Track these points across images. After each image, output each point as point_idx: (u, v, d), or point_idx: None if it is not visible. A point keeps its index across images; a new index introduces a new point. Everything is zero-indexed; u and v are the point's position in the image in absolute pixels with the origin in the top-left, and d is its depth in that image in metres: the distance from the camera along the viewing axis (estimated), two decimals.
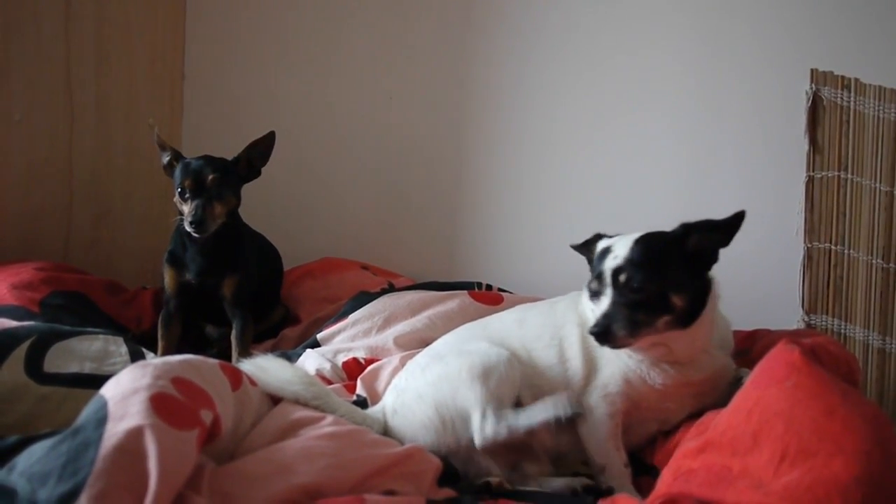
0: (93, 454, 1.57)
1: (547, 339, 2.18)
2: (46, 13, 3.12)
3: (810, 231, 2.75)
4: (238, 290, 2.76)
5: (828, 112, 2.72)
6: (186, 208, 2.64)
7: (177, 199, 2.68)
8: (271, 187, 3.28)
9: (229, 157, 2.77)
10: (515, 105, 3.21)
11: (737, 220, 2.01)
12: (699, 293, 2.05)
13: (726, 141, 2.89)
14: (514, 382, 2.11)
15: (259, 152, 2.76)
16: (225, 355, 2.78)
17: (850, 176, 2.70)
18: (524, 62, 3.18)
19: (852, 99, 2.68)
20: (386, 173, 3.43)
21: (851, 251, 2.70)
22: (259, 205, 3.04)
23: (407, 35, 3.36)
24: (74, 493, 1.51)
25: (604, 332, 1.96)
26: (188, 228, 2.62)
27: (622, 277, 1.99)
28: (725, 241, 2.04)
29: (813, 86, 2.71)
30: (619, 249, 2.04)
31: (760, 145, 2.84)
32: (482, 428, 2.04)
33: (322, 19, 3.47)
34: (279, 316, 3.06)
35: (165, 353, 2.71)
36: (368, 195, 3.46)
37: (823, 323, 2.75)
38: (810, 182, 2.75)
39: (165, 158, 2.76)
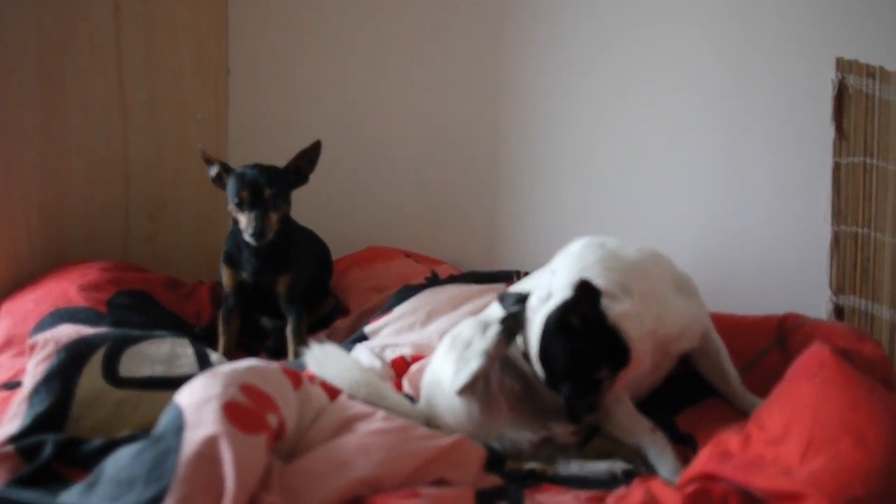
0: (174, 461, 1.72)
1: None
2: (98, 20, 3.25)
3: (838, 215, 2.84)
4: (291, 287, 2.90)
5: (853, 100, 2.79)
6: (244, 218, 2.76)
7: (232, 207, 2.80)
8: (317, 181, 3.40)
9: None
10: (550, 94, 3.31)
11: (582, 287, 2.02)
12: (612, 347, 2.07)
13: (756, 129, 2.98)
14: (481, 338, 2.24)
15: (307, 161, 2.88)
16: (281, 345, 2.97)
17: (875, 161, 2.78)
18: (559, 52, 3.27)
19: (877, 87, 2.75)
20: (425, 164, 3.55)
21: (877, 234, 2.79)
22: (306, 198, 3.15)
23: (443, 29, 3.47)
24: (160, 497, 1.67)
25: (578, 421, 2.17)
26: (248, 239, 2.75)
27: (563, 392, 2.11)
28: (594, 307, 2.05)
29: (839, 74, 2.78)
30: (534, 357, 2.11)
31: (789, 133, 2.93)
32: (453, 383, 2.20)
33: (361, 16, 3.58)
34: (329, 306, 3.20)
35: (227, 347, 2.87)
36: (409, 185, 3.58)
37: (851, 303, 2.85)
38: (837, 168, 2.82)
39: (213, 171, 2.86)
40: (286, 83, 3.70)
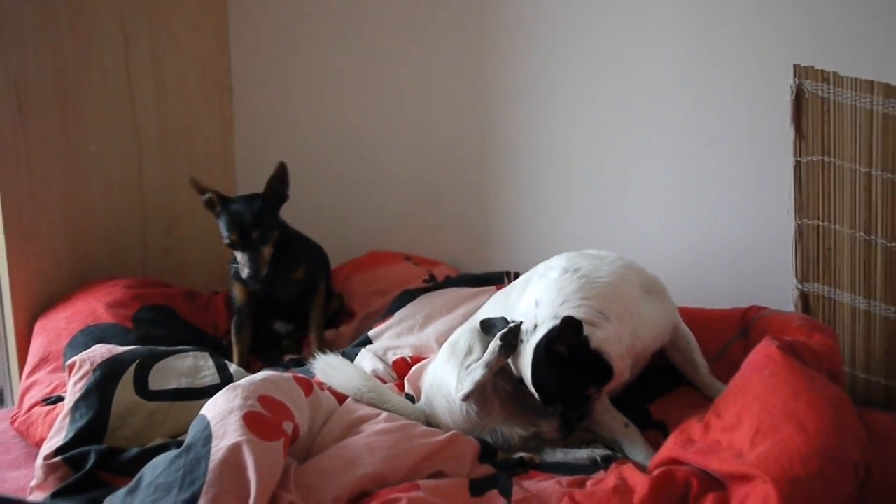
0: (204, 467, 1.99)
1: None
2: (108, 50, 3.44)
3: (800, 209, 2.97)
4: (308, 270, 3.14)
5: (810, 103, 2.92)
6: (238, 256, 2.95)
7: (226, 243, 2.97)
8: (318, 189, 3.65)
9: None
10: (534, 100, 3.47)
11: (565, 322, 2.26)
12: (596, 368, 2.31)
13: (722, 132, 3.14)
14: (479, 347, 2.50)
15: (279, 182, 3.03)
16: (295, 347, 3.22)
17: (832, 160, 2.94)
18: (542, 58, 3.42)
19: (832, 90, 2.90)
20: (421, 169, 3.72)
21: (837, 226, 2.96)
22: (308, 207, 3.37)
23: (432, 42, 3.63)
24: (194, 499, 1.94)
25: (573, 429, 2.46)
26: (244, 277, 2.93)
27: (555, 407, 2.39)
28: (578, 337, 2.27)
29: (796, 80, 2.90)
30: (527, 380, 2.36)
31: (752, 135, 3.09)
32: (457, 390, 2.44)
33: (352, 30, 3.76)
34: (335, 306, 3.39)
35: (241, 357, 3.08)
36: (406, 190, 3.76)
37: (816, 290, 3.04)
38: (798, 166, 2.95)
39: (205, 197, 3.00)
40: (286, 97, 3.89)
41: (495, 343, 2.38)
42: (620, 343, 2.35)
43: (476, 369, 2.42)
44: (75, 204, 3.38)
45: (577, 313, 2.29)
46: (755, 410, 2.14)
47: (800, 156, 2.97)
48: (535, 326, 2.35)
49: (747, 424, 2.12)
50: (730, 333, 2.74)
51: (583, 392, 2.36)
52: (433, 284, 3.30)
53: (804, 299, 3.06)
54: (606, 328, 2.31)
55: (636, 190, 3.36)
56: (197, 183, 3.01)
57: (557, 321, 2.28)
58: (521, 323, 2.37)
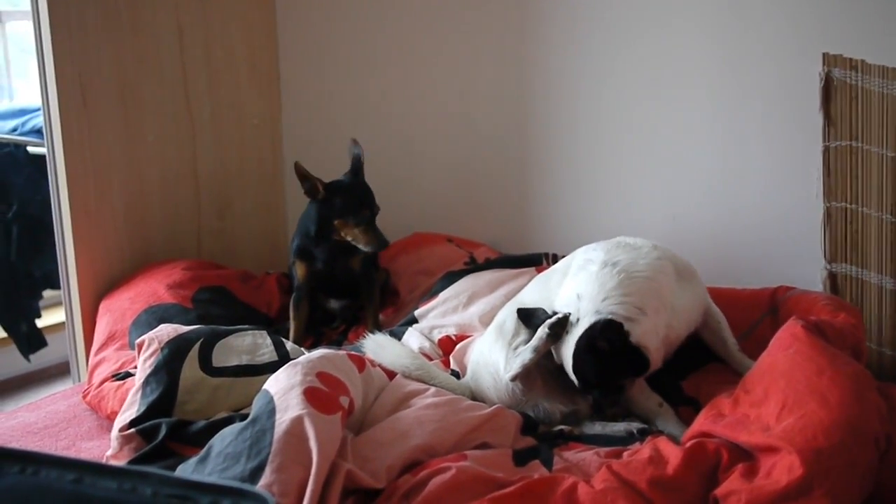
0: (269, 438, 2.12)
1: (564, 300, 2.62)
2: (165, 43, 3.61)
3: (828, 193, 3.07)
4: (365, 262, 3.27)
5: (839, 90, 3.01)
6: (360, 232, 3.10)
7: (346, 223, 3.11)
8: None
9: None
10: (575, 85, 3.56)
11: (609, 324, 2.40)
12: (634, 360, 2.44)
13: (754, 119, 3.23)
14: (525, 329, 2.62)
15: (360, 161, 3.25)
16: (349, 325, 3.38)
17: (860, 144, 3.03)
18: (584, 42, 3.50)
19: (860, 78, 3.01)
20: (461, 154, 3.84)
21: (864, 209, 3.06)
22: None
23: (473, 28, 3.76)
24: (261, 467, 2.07)
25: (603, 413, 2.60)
26: (366, 250, 3.12)
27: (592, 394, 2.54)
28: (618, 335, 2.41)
29: (825, 67, 3.01)
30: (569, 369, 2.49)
31: (783, 121, 3.18)
32: (506, 370, 2.58)
33: (393, 19, 3.89)
34: (382, 279, 3.53)
35: (297, 332, 3.21)
36: (447, 174, 3.88)
37: (843, 270, 3.15)
38: (826, 151, 3.05)
39: (306, 185, 3.10)
40: (331, 86, 4.03)
41: (543, 331, 2.52)
42: (657, 335, 2.49)
43: (524, 352, 2.56)
44: (135, 190, 3.56)
45: (618, 310, 2.44)
46: (781, 386, 2.25)
47: (828, 141, 3.07)
48: (578, 320, 2.49)
49: (774, 400, 2.24)
50: (759, 312, 2.85)
51: (619, 382, 2.53)
52: (473, 266, 3.42)
53: (832, 279, 3.17)
54: (644, 323, 2.45)
55: (670, 173, 3.46)
56: (301, 169, 3.09)
57: (599, 317, 2.43)
58: (570, 315, 2.51)
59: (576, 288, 2.56)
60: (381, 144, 3.88)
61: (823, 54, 3.04)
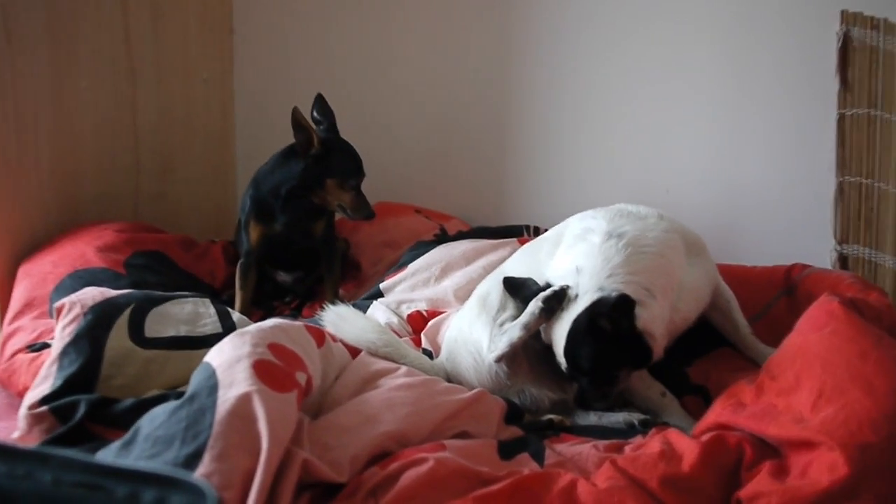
0: (210, 419, 1.78)
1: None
2: None
3: (842, 166, 2.86)
4: (327, 227, 3.00)
5: (858, 52, 2.80)
6: (349, 198, 2.84)
7: (337, 184, 2.84)
8: None
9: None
10: (557, 44, 3.32)
11: (622, 301, 2.12)
12: (636, 349, 2.18)
13: (761, 81, 3.00)
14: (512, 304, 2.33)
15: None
16: (302, 300, 3.08)
17: (879, 113, 2.82)
18: (564, 8, 3.30)
19: (882, 39, 2.77)
20: (433, 118, 3.57)
21: (881, 184, 2.84)
22: None
23: None
24: (198, 453, 1.72)
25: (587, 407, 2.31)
26: (355, 217, 2.87)
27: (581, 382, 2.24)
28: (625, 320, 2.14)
29: (843, 26, 2.79)
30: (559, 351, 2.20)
31: (794, 84, 2.95)
32: (490, 350, 2.28)
33: None
34: (342, 248, 3.23)
35: (244, 304, 2.94)
36: (417, 140, 3.60)
37: (856, 252, 2.90)
38: (842, 119, 2.85)
39: (300, 136, 2.81)
40: (290, 41, 3.72)
41: (536, 305, 2.21)
42: (663, 322, 2.21)
43: (512, 329, 2.25)
44: (64, 142, 3.21)
45: (624, 290, 2.14)
46: (816, 371, 1.97)
47: (844, 108, 2.86)
48: (577, 296, 2.19)
49: (808, 387, 1.95)
50: (772, 291, 2.57)
51: (614, 371, 2.23)
52: (446, 238, 3.13)
53: (842, 261, 2.94)
54: (652, 307, 2.17)
55: (663, 141, 3.21)
56: (299, 116, 2.80)
57: (603, 294, 2.15)
58: (567, 287, 2.19)
59: (574, 259, 2.26)
60: (344, 106, 3.51)
61: (842, 12, 2.81)
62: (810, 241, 2.94)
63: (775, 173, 3.02)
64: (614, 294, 2.13)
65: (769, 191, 3.03)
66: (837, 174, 2.88)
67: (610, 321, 2.13)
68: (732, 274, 2.56)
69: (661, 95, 3.17)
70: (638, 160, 3.25)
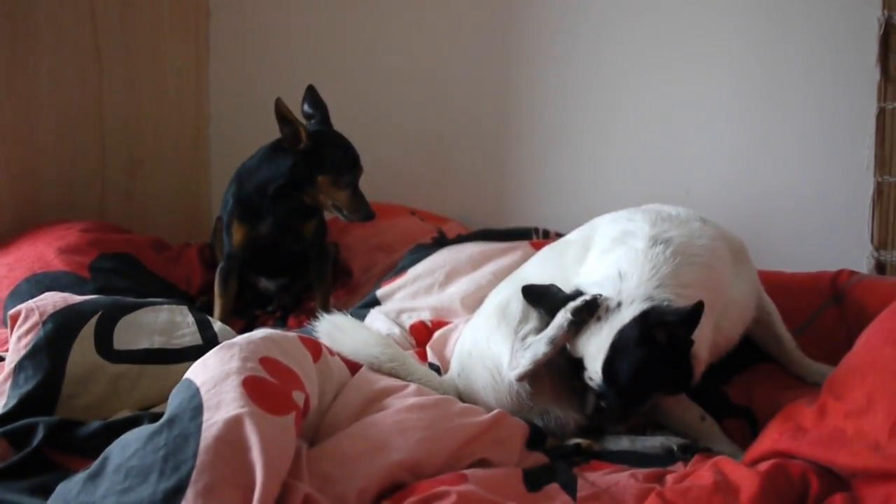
0: (194, 447, 1.57)
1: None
2: None
3: (881, 165, 2.76)
4: (318, 228, 2.81)
5: None
6: (345, 196, 2.65)
7: (330, 182, 2.65)
8: None
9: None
10: (564, 37, 3.20)
11: (697, 311, 1.89)
12: (680, 371, 1.97)
13: (792, 71, 2.88)
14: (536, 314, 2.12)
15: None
16: (285, 311, 2.91)
17: None
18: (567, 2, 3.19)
19: None
20: (429, 114, 3.44)
21: None
22: None
23: None
24: (180, 489, 1.51)
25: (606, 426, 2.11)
26: (352, 219, 2.69)
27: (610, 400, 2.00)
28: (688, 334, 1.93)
29: (885, 12, 2.69)
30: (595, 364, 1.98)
31: (828, 75, 2.84)
32: (511, 366, 2.06)
33: None
34: (332, 252, 3.03)
35: (224, 312, 2.76)
36: (412, 137, 3.47)
37: (894, 259, 2.75)
38: (881, 113, 2.74)
39: (287, 129, 2.63)
40: (272, 26, 3.57)
41: (565, 317, 1.99)
42: (707, 342, 2.01)
43: (538, 344, 2.02)
44: (22, 133, 3.05)
45: (675, 303, 1.93)
46: (892, 390, 1.74)
47: (884, 101, 2.75)
48: (619, 304, 1.96)
49: (883, 408, 1.72)
50: (817, 300, 2.37)
51: (650, 391, 2.01)
52: (445, 241, 2.91)
53: (880, 268, 2.82)
54: (702, 326, 1.94)
55: (682, 136, 3.10)
56: (283, 108, 2.61)
57: (653, 303, 1.93)
58: (599, 297, 1.97)
59: (615, 264, 2.04)
60: (333, 101, 3.34)
61: None
62: (844, 247, 2.83)
63: (806, 172, 2.92)
64: (671, 304, 1.91)
65: (799, 191, 2.93)
66: (875, 174, 2.79)
67: (668, 333, 1.90)
68: (770, 281, 2.34)
69: (680, 86, 3.06)
70: (654, 158, 3.12)
